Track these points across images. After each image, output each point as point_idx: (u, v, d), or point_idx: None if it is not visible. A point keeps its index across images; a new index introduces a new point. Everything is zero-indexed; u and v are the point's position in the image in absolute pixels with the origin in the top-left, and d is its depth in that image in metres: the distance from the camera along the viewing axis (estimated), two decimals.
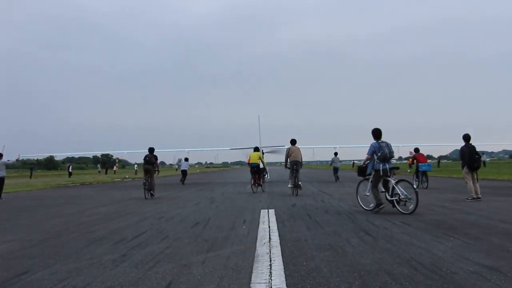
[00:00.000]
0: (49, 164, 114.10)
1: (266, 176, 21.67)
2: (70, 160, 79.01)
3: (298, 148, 15.16)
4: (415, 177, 17.22)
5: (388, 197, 9.19)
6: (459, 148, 12.13)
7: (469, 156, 11.60)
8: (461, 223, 7.29)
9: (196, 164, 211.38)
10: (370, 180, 9.50)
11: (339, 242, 5.73)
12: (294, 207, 10.47)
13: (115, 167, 67.26)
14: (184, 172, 26.42)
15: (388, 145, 9.25)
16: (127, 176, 41.03)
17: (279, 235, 6.33)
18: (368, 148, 9.41)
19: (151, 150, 15.69)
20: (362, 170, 9.68)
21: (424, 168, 16.95)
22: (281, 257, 4.87)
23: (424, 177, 16.85)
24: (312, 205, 10.72)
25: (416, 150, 17.92)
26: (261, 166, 17.12)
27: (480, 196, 11.42)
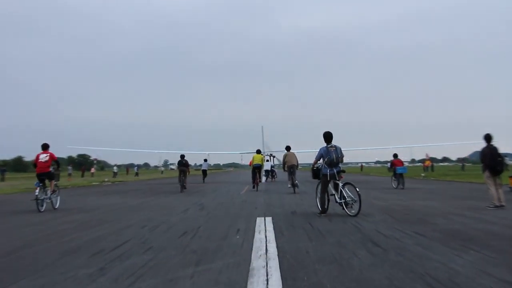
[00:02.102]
0: (17, 165, 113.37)
1: (275, 176, 32.45)
2: None
3: (293, 153, 19.53)
4: (393, 178, 21.90)
5: (338, 200, 10.41)
6: (479, 149, 12.09)
7: (490, 159, 11.53)
8: (482, 234, 7.30)
9: None
10: (318, 183, 10.88)
11: (344, 254, 5.73)
12: (293, 215, 10.47)
13: (92, 169, 67.09)
14: (204, 172, 34.56)
15: (336, 150, 10.37)
16: (106, 180, 40.87)
17: (277, 246, 6.32)
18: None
19: (183, 156, 23.54)
20: (316, 173, 10.88)
21: (400, 170, 21.45)
22: (279, 271, 4.86)
23: (400, 179, 21.18)
24: (314, 213, 10.72)
25: (395, 155, 22.35)
26: (268, 168, 21.67)
27: (504, 203, 11.42)
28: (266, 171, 33.62)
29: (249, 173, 35.16)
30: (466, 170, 53.64)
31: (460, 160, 70.00)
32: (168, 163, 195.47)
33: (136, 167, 71.45)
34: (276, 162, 46.52)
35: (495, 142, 11.81)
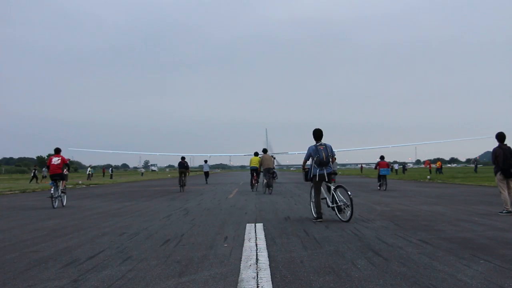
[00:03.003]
0: None
1: (276, 178, 31.39)
2: (7, 161, 78.07)
3: (270, 157, 23.28)
4: (378, 180, 24.33)
5: (330, 204, 10.54)
6: (491, 150, 12.13)
7: (503, 160, 11.53)
8: (494, 242, 7.33)
9: (167, 167, 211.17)
10: (311, 186, 11.00)
11: (343, 264, 5.74)
12: (287, 221, 10.49)
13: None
14: (206, 173, 38.66)
15: (326, 148, 10.45)
16: (80, 182, 40.67)
17: (269, 255, 6.32)
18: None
19: (183, 158, 27.10)
20: (307, 174, 10.89)
21: (383, 172, 23.86)
22: (270, 282, 4.86)
23: (383, 180, 23.82)
24: (309, 219, 10.74)
25: (381, 157, 24.49)
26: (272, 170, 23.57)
27: None
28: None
29: (237, 174, 38.13)
30: (479, 172, 53.75)
31: (473, 161, 70.22)
32: (149, 164, 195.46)
33: (110, 169, 70.93)
34: (275, 163, 50.16)
35: (508, 142, 11.86)
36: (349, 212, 10.02)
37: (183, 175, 25.98)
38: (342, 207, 10.18)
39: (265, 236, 8.16)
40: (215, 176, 70.35)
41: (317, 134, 10.68)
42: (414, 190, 22.73)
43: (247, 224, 9.85)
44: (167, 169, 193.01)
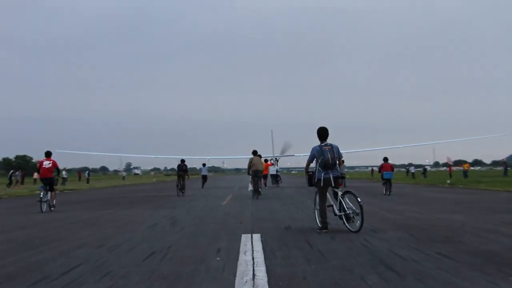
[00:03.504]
0: None
1: (280, 181, 39.52)
2: None
3: (260, 159, 25.06)
4: (383, 184, 24.72)
5: (337, 212, 10.51)
6: None
7: None
8: None
9: (151, 170, 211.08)
10: (315, 192, 11.04)
11: (351, 280, 5.74)
12: (287, 231, 10.49)
13: (35, 174, 66.34)
14: (204, 177, 40.12)
15: (332, 149, 10.40)
16: None
17: (267, 270, 6.32)
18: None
19: (183, 161, 28.77)
20: (311, 179, 10.95)
21: (386, 176, 24.30)
22: None
23: (388, 184, 24.23)
24: (313, 228, 10.74)
25: (385, 159, 25.07)
26: (273, 172, 28.42)
27: None
28: (272, 175, 39.81)
29: (232, 178, 39.53)
30: (510, 176, 53.35)
31: (501, 163, 69.79)
32: (131, 166, 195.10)
33: (87, 172, 70.68)
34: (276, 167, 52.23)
35: None
36: (359, 221, 9.96)
37: (181, 179, 27.22)
38: (351, 215, 10.11)
39: (263, 248, 8.15)
40: (207, 180, 70.27)
41: (322, 133, 10.64)
42: (431, 197, 22.76)
43: (243, 235, 9.82)
44: (152, 173, 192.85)
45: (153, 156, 72.15)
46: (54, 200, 18.09)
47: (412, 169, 70.57)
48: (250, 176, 24.14)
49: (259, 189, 23.11)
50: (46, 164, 17.67)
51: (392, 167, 25.13)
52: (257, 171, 23.38)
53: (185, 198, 24.03)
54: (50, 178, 17.69)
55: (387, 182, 24.24)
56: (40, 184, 17.38)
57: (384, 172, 24.37)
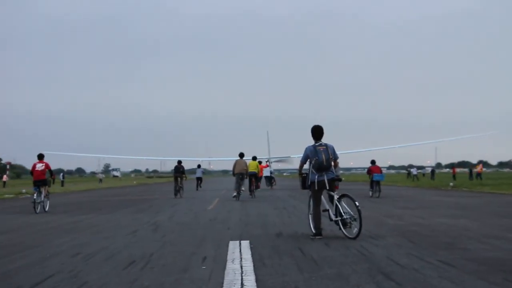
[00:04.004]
0: None
1: (274, 183, 42.88)
2: None
3: (245, 161, 26.27)
4: (370, 186, 26.26)
5: (333, 217, 10.45)
6: None
7: None
8: None
9: (132, 172, 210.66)
10: (309, 196, 11.05)
11: None
12: (279, 238, 10.51)
13: (5, 177, 65.99)
14: (199, 179, 42.74)
15: (327, 149, 10.43)
16: (24, 191, 40.33)
17: (257, 280, 6.34)
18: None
19: (180, 162, 30.48)
20: (304, 181, 10.97)
21: (376, 178, 25.72)
22: None
23: (377, 187, 25.67)
24: (306, 235, 10.76)
25: (373, 162, 26.34)
26: (267, 174, 33.64)
27: None
28: (266, 177, 42.28)
29: (219, 180, 40.59)
30: None
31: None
32: (110, 168, 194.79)
33: (61, 174, 70.22)
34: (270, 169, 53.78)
35: None
36: (356, 227, 9.95)
37: (179, 180, 29.19)
38: (348, 220, 10.09)
39: (252, 256, 8.17)
40: (192, 182, 70.14)
41: (317, 132, 10.64)
42: (433, 200, 22.87)
43: (230, 242, 9.84)
44: (132, 175, 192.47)
45: (144, 157, 72.95)
46: (48, 194, 20.16)
47: (414, 171, 70.37)
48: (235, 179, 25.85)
49: (240, 192, 25.02)
50: (39, 166, 19.43)
51: (380, 169, 26.67)
52: (242, 173, 25.29)
53: (168, 202, 23.99)
54: (43, 180, 19.43)
55: (377, 185, 25.70)
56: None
57: (375, 174, 25.76)
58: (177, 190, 28.75)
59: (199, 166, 45.46)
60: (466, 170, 79.04)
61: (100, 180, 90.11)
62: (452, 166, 76.03)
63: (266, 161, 53.77)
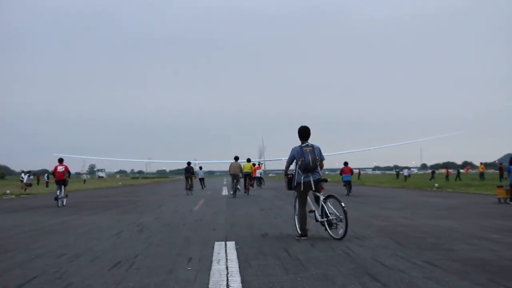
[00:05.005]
0: None
1: (263, 183, 47.88)
2: None
3: (239, 164, 29.76)
4: (343, 185, 29.73)
5: (319, 218, 10.53)
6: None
7: None
8: None
9: (117, 173, 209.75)
10: (295, 197, 11.12)
11: None
12: (264, 238, 10.52)
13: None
14: (202, 179, 44.75)
15: (313, 150, 10.49)
16: (8, 192, 40.08)
17: (242, 281, 6.35)
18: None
19: (189, 163, 36.71)
20: (290, 182, 11.02)
21: (345, 178, 29.54)
22: None
23: (347, 186, 29.32)
24: (292, 235, 10.78)
25: (345, 163, 29.91)
26: (257, 175, 38.60)
27: None
28: (256, 178, 44.76)
29: (206, 181, 45.88)
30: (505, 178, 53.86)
31: (499, 165, 69.72)
32: (95, 169, 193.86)
33: (46, 175, 69.64)
34: (263, 169, 56.74)
35: None
36: (342, 228, 9.98)
37: (189, 180, 34.28)
38: (334, 221, 10.14)
39: (237, 257, 8.19)
40: (178, 184, 70.12)
41: (303, 133, 10.67)
42: (419, 201, 22.96)
43: (216, 243, 9.85)
44: (118, 176, 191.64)
45: (146, 160, 74.01)
46: (67, 192, 24.43)
47: (405, 172, 70.27)
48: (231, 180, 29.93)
49: (236, 191, 28.79)
50: (60, 168, 23.79)
51: (351, 170, 30.45)
52: (235, 175, 29.00)
53: (152, 203, 23.96)
54: (63, 180, 23.68)
55: (347, 184, 29.42)
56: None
57: (344, 175, 29.70)
58: (188, 189, 33.61)
59: (200, 168, 47.59)
60: (462, 171, 79.58)
61: (84, 181, 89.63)
62: (437, 167, 76.41)
63: (259, 163, 58.50)
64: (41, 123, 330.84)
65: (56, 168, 24.21)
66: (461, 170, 64.45)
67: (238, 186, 29.20)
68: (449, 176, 61.74)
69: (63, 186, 23.76)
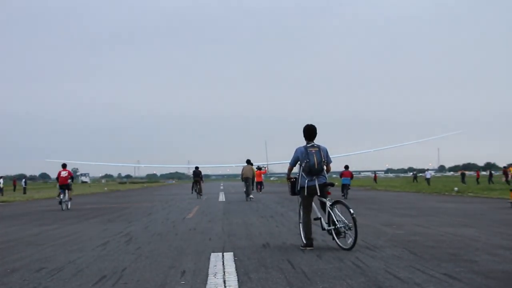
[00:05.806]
0: None
1: (263, 187, 49.23)
2: None
3: (251, 167, 34.04)
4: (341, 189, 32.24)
5: (325, 226, 10.47)
6: None
7: None
8: None
9: (103, 178, 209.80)
10: (299, 203, 10.95)
11: None
12: (265, 249, 10.51)
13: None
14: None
15: (320, 151, 10.37)
16: None
17: None
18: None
19: (197, 167, 40.16)
20: (293, 186, 10.94)
21: (343, 181, 32.22)
22: None
23: (344, 189, 31.84)
24: (296, 245, 10.77)
25: (346, 167, 32.77)
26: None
27: None
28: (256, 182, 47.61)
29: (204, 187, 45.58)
30: None
31: None
32: (78, 173, 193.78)
33: (23, 181, 69.44)
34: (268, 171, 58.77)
35: None
36: (351, 237, 9.88)
37: (198, 183, 37.67)
38: (342, 230, 10.04)
39: (236, 269, 8.19)
40: (169, 188, 70.15)
41: (309, 132, 10.59)
42: (436, 207, 22.92)
43: (212, 254, 9.84)
44: (103, 180, 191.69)
45: (143, 165, 74.62)
46: (71, 195, 27.65)
47: (428, 174, 69.76)
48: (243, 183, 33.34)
49: (250, 192, 31.96)
50: (63, 173, 26.51)
51: (351, 174, 33.15)
52: (247, 178, 32.59)
53: (141, 211, 23.97)
54: (67, 184, 26.32)
55: (345, 187, 31.95)
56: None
57: (343, 178, 32.36)
58: (197, 192, 36.90)
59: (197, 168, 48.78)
60: (473, 173, 79.50)
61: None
62: (457, 169, 76.18)
63: (263, 167, 59.05)
64: (19, 125, 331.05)
65: (59, 173, 26.87)
66: (495, 173, 63.94)
67: (251, 195, 31.43)
68: (479, 178, 61.60)
69: (67, 191, 26.42)
